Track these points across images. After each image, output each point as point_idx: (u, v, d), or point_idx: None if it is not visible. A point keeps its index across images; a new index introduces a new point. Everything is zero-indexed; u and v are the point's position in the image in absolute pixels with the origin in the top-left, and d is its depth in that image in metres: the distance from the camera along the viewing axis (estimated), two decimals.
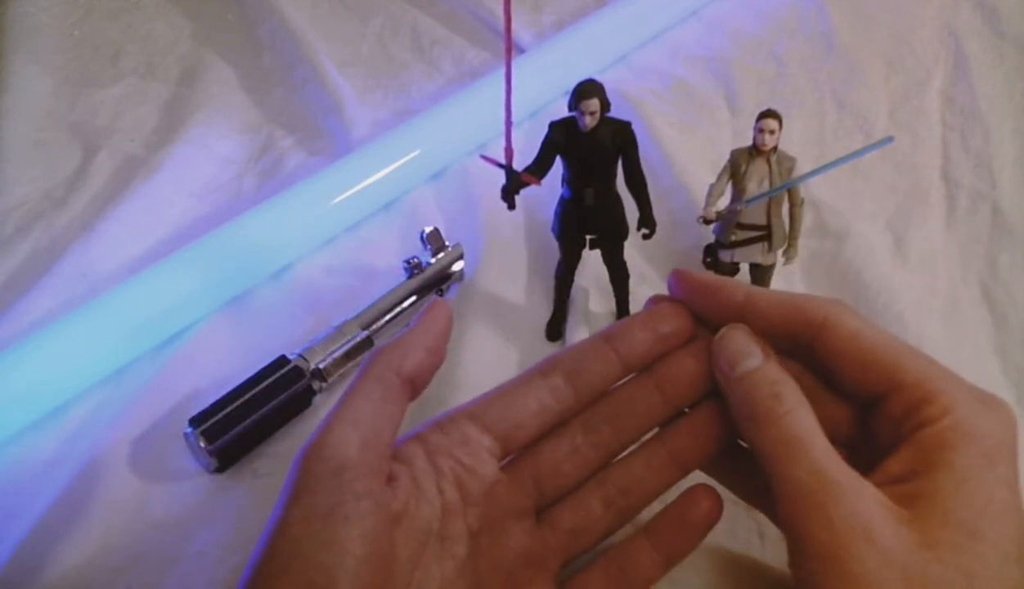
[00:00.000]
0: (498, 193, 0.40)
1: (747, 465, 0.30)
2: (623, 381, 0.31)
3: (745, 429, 0.27)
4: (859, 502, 0.24)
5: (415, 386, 0.29)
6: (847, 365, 0.27)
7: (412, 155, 0.52)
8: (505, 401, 0.30)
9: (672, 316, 0.30)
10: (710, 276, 0.31)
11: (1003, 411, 0.26)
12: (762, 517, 0.35)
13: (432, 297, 0.31)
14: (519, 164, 0.39)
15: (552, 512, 0.30)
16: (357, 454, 0.25)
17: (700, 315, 0.30)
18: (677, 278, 0.30)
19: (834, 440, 0.26)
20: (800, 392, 0.27)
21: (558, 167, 0.41)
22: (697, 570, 0.33)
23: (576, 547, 0.30)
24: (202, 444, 0.38)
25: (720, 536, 0.35)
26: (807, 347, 0.28)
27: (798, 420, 0.26)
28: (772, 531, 0.36)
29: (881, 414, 0.27)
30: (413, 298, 0.45)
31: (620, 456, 0.31)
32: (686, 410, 0.30)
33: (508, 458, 0.31)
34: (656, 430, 0.31)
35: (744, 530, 0.36)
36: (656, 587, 0.30)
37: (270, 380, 0.40)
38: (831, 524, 0.24)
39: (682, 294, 0.30)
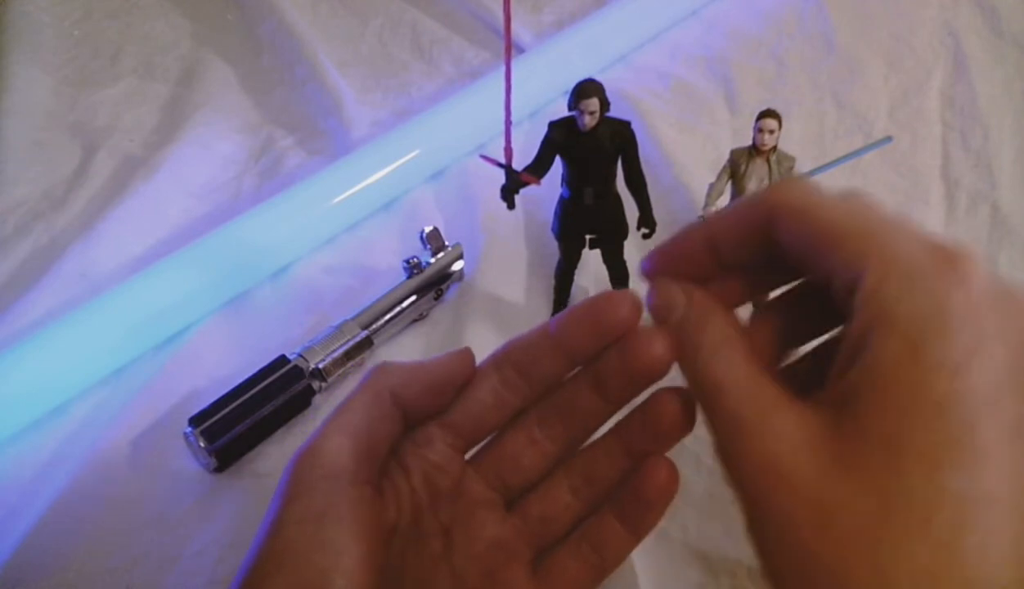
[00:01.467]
0: (498, 193, 0.40)
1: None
2: (570, 375, 0.29)
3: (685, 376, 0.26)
4: (770, 441, 0.21)
5: (408, 416, 0.28)
6: (797, 249, 0.23)
7: (412, 155, 0.52)
8: (464, 396, 0.29)
9: (615, 305, 0.27)
10: (668, 241, 0.28)
11: (961, 265, 0.20)
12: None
13: (465, 348, 0.31)
14: (519, 164, 0.39)
15: (521, 502, 0.30)
16: (351, 462, 0.25)
17: (690, 273, 0.28)
18: (647, 262, 0.28)
19: (799, 342, 0.25)
20: (727, 327, 0.25)
21: (558, 167, 0.41)
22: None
23: (548, 533, 0.30)
24: (202, 444, 0.38)
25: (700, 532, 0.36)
26: (774, 243, 0.24)
27: (716, 365, 0.24)
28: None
29: (857, 297, 0.21)
30: (413, 298, 0.45)
31: (585, 447, 0.30)
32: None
33: (471, 451, 0.31)
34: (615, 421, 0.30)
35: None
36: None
37: (270, 380, 0.40)
38: (742, 467, 0.22)
39: (655, 273, 0.28)
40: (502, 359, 0.29)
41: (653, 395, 0.28)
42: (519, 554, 0.29)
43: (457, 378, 0.29)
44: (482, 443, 0.30)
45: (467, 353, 0.29)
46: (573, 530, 0.30)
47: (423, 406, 0.28)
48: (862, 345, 0.20)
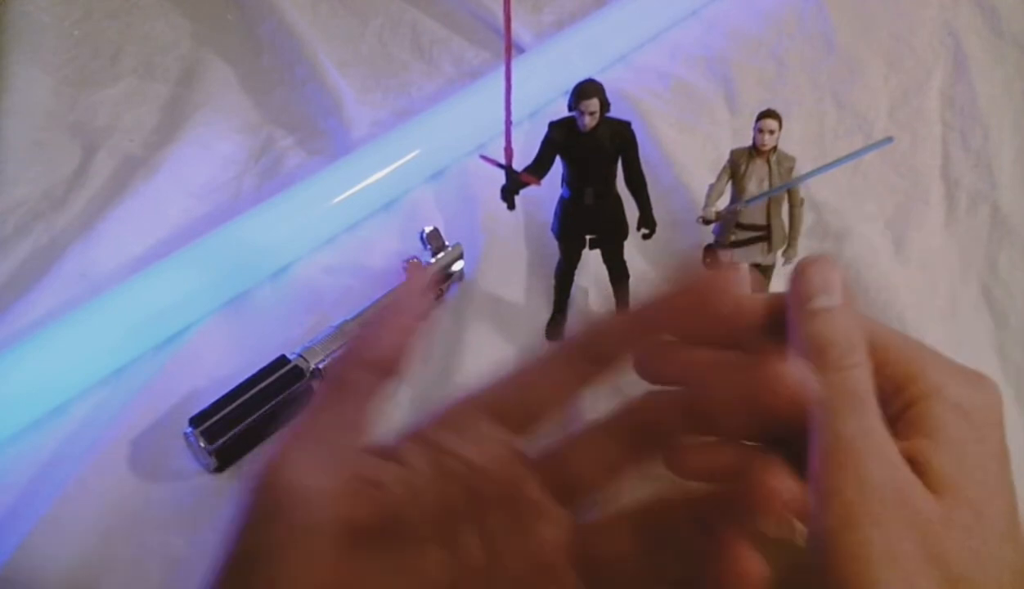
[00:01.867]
0: (498, 193, 0.40)
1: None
2: (656, 390, 0.27)
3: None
4: (900, 472, 0.23)
5: (393, 372, 0.26)
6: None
7: (412, 155, 0.52)
8: (517, 384, 0.27)
9: (726, 281, 0.25)
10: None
11: (988, 385, 0.26)
12: None
13: (451, 312, 0.28)
14: (519, 164, 0.39)
15: (586, 541, 0.27)
16: (309, 480, 0.23)
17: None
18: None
19: None
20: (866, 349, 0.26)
21: (558, 167, 0.41)
22: None
23: (602, 579, 0.27)
24: (202, 444, 0.38)
25: None
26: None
27: (863, 375, 0.25)
28: None
29: None
30: None
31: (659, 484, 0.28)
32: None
33: (535, 453, 0.27)
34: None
35: None
36: None
37: (270, 380, 0.40)
38: (867, 486, 0.23)
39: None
40: (563, 344, 0.27)
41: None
42: (568, 582, 0.26)
43: (424, 299, 0.27)
44: (547, 444, 0.27)
45: (415, 266, 0.27)
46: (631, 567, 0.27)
47: (404, 347, 0.26)
48: (932, 424, 0.24)
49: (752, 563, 0.25)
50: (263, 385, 0.40)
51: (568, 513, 0.27)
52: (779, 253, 0.43)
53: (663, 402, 0.27)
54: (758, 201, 0.41)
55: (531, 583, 0.26)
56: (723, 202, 0.43)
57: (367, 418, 0.26)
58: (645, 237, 0.42)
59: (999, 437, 0.25)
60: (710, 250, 0.45)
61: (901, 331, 0.27)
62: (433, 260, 0.46)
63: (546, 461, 0.28)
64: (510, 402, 0.27)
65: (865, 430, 0.24)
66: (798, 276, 0.26)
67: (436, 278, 0.46)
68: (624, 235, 0.42)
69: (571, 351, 0.27)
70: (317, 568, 0.23)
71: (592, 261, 0.46)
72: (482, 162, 0.38)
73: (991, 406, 0.25)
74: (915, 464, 0.24)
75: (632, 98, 0.58)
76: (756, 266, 0.43)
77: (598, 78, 0.38)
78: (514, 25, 0.34)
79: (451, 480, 0.26)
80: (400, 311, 0.27)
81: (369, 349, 0.26)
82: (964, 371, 0.26)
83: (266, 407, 0.39)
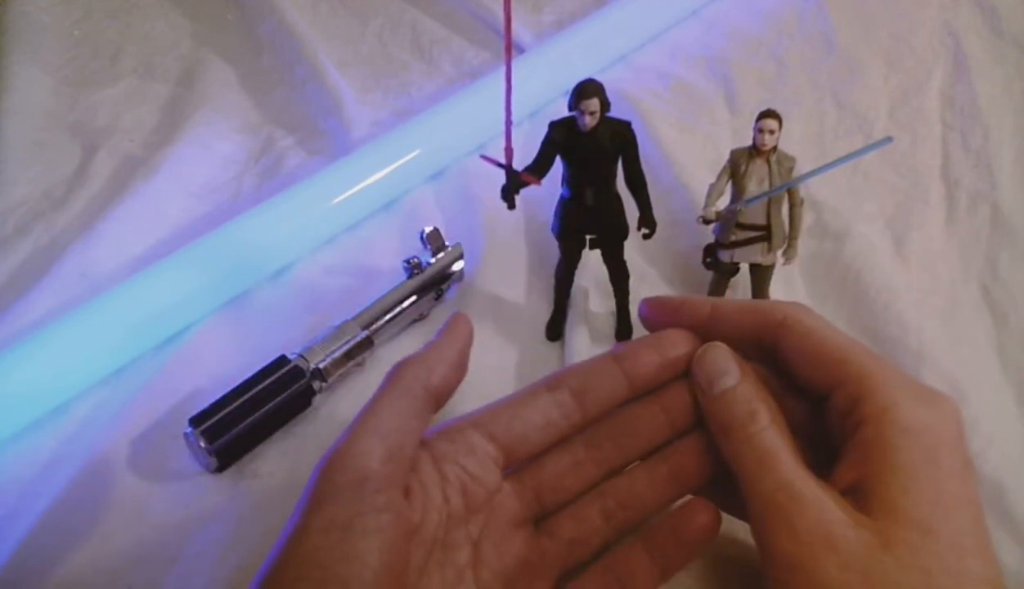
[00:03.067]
0: (498, 193, 0.40)
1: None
2: (629, 402, 0.31)
3: (721, 444, 0.28)
4: (821, 512, 0.25)
5: (439, 400, 0.29)
6: (800, 361, 0.28)
7: (412, 155, 0.52)
8: (512, 412, 0.30)
9: (680, 342, 0.31)
10: (673, 298, 0.32)
11: (944, 405, 0.27)
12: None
13: (455, 311, 0.31)
14: (519, 164, 0.39)
15: (552, 521, 0.30)
16: (380, 466, 0.25)
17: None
18: (646, 305, 0.32)
19: (795, 435, 0.28)
20: (774, 409, 0.28)
21: (558, 167, 0.41)
22: (691, 572, 0.33)
23: (574, 556, 0.30)
24: (202, 444, 0.38)
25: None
26: (770, 348, 0.29)
27: (770, 437, 0.27)
28: None
29: (829, 409, 0.28)
30: (413, 298, 0.45)
31: (626, 471, 0.31)
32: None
33: (511, 469, 0.31)
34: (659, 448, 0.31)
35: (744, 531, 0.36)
36: None
37: (270, 380, 0.40)
38: (796, 535, 0.25)
39: (653, 318, 0.32)
40: (556, 382, 0.30)
41: (687, 504, 0.30)
42: (545, 574, 0.29)
43: (469, 342, 0.30)
44: (523, 462, 0.31)
45: (463, 317, 0.31)
46: (598, 553, 0.30)
47: (455, 381, 0.30)
48: (878, 447, 0.25)
49: (708, 510, 0.30)
50: (263, 385, 0.40)
51: (533, 517, 0.30)
52: (779, 253, 0.43)
53: (641, 406, 0.30)
54: (758, 201, 0.41)
55: (515, 578, 0.29)
56: (723, 202, 0.43)
57: (420, 427, 0.28)
58: (645, 237, 0.42)
59: (957, 455, 0.26)
60: (710, 250, 0.45)
61: (867, 347, 0.28)
62: (433, 260, 0.46)
63: (521, 474, 0.31)
64: (508, 426, 0.30)
65: (781, 484, 0.26)
66: (697, 368, 0.30)
67: (436, 280, 0.46)
68: (624, 235, 0.42)
69: (567, 386, 0.30)
70: (390, 544, 0.24)
71: (592, 261, 0.46)
72: (482, 162, 0.38)
73: (945, 425, 0.26)
74: (858, 493, 0.25)
75: (632, 98, 0.58)
76: (756, 266, 0.43)
77: (598, 78, 0.38)
78: (514, 25, 0.34)
79: (450, 485, 0.28)
80: (455, 349, 0.30)
81: (428, 372, 0.29)
82: (919, 390, 0.27)
83: (266, 407, 0.39)
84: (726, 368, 0.29)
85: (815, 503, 0.25)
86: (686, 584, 0.33)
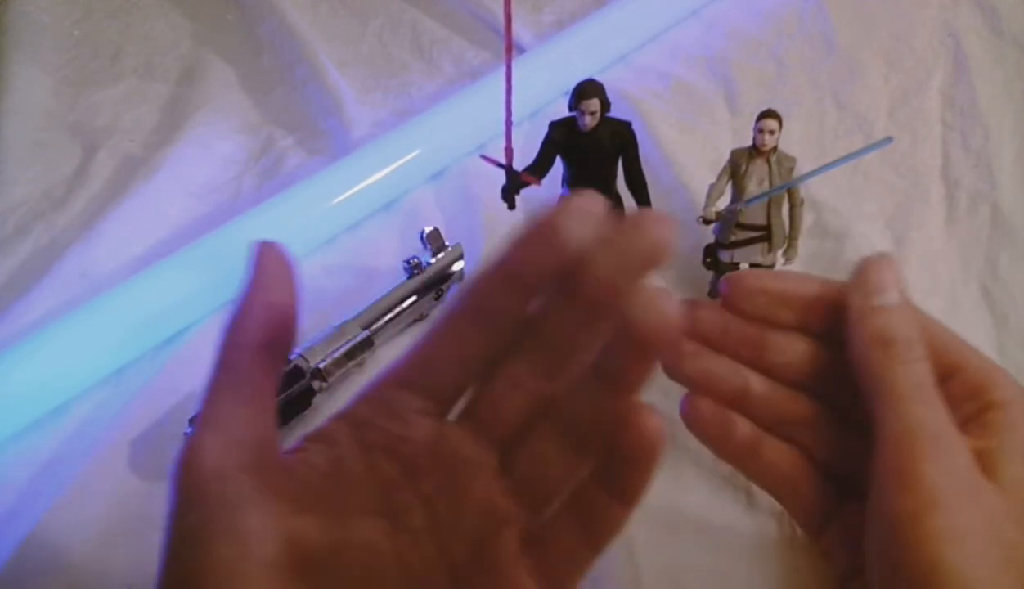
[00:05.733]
0: (498, 193, 0.40)
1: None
2: (547, 304, 0.26)
3: (874, 361, 0.27)
4: (969, 460, 0.25)
5: (277, 348, 0.26)
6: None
7: (412, 155, 0.52)
8: (427, 355, 0.27)
9: (571, 223, 0.24)
10: (776, 279, 0.30)
11: None
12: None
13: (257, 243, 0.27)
14: (519, 164, 0.39)
15: (509, 460, 0.27)
16: (224, 458, 0.24)
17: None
18: (726, 282, 0.30)
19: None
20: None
21: (558, 167, 0.41)
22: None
23: (539, 495, 0.27)
24: None
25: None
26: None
27: (926, 369, 0.27)
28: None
29: (941, 391, 0.27)
30: (413, 298, 0.45)
31: (568, 388, 0.27)
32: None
33: (451, 414, 0.28)
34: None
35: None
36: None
37: None
38: (948, 471, 0.24)
39: (735, 297, 0.30)
40: (463, 306, 0.26)
41: (623, 417, 0.25)
42: (510, 519, 0.27)
43: (286, 270, 0.27)
44: (463, 401, 0.27)
45: (267, 245, 0.27)
46: (564, 486, 0.27)
47: (283, 320, 0.26)
48: (1011, 428, 0.26)
49: (648, 417, 0.26)
50: None
51: (491, 454, 0.27)
52: (779, 253, 0.43)
53: (552, 305, 0.26)
54: (758, 201, 0.41)
55: (479, 529, 0.26)
56: (723, 202, 0.43)
57: (267, 395, 0.26)
58: None
59: None
60: (710, 250, 0.45)
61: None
62: (433, 260, 0.46)
63: (465, 413, 0.28)
64: (423, 372, 0.27)
65: (938, 420, 0.25)
66: (861, 275, 0.28)
67: (435, 278, 0.46)
68: None
69: (463, 313, 0.27)
70: (253, 550, 0.22)
71: None
72: (482, 162, 0.38)
73: None
74: (983, 463, 0.25)
75: (632, 98, 0.58)
76: (756, 266, 0.43)
77: (598, 78, 0.38)
78: (514, 25, 0.34)
79: (376, 452, 0.26)
80: (263, 288, 0.26)
81: (243, 332, 0.25)
82: None
83: None
84: (892, 283, 0.28)
85: (967, 452, 0.25)
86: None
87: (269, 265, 0.27)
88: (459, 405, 0.28)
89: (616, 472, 0.26)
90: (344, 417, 0.27)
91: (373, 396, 0.27)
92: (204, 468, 0.23)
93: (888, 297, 0.28)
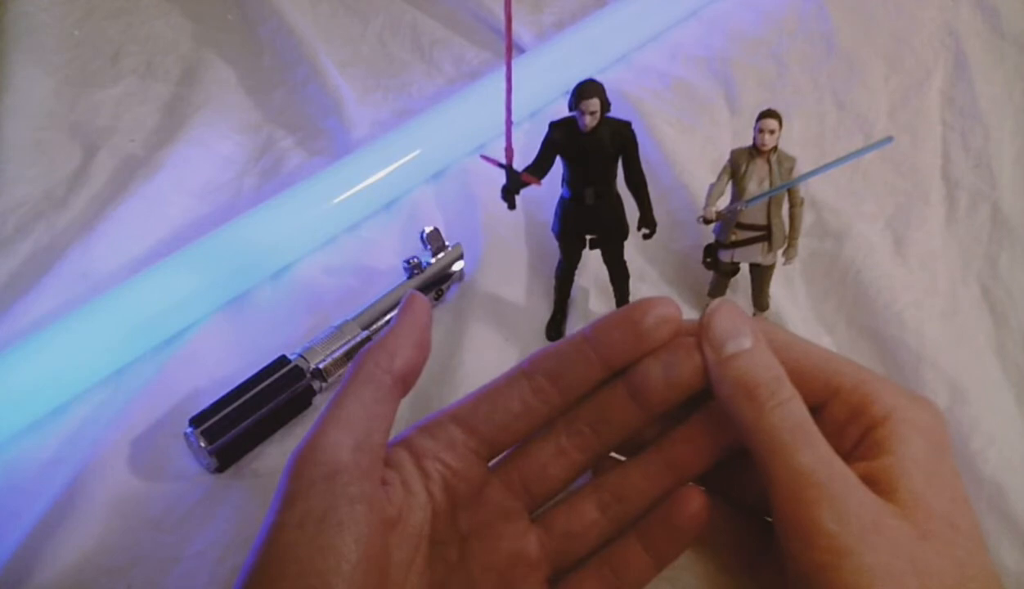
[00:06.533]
0: (498, 193, 0.40)
1: (739, 474, 0.30)
2: (603, 386, 0.30)
3: (740, 412, 0.26)
4: (865, 494, 0.24)
5: (406, 383, 0.29)
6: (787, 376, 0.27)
7: (412, 155, 0.52)
8: (490, 402, 0.29)
9: (650, 313, 0.28)
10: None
11: (934, 407, 0.27)
12: None
13: (408, 291, 0.31)
14: (519, 164, 0.39)
15: (546, 515, 0.30)
16: (350, 457, 0.25)
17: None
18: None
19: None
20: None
21: (558, 167, 0.41)
22: (691, 570, 0.33)
23: (571, 550, 0.29)
24: (202, 444, 0.38)
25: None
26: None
27: (800, 408, 0.25)
28: None
29: (822, 420, 0.26)
30: None
31: (621, 463, 0.30)
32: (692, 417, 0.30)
33: (495, 460, 0.30)
34: (655, 439, 0.30)
35: None
36: (654, 586, 0.30)
37: (270, 380, 0.40)
38: (843, 516, 0.23)
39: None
40: (532, 367, 0.29)
41: (676, 493, 0.29)
42: (538, 568, 0.29)
43: (428, 321, 0.30)
44: (507, 452, 0.30)
45: (418, 297, 0.30)
46: (596, 550, 0.30)
47: (419, 362, 0.29)
48: (898, 443, 0.25)
49: (696, 497, 0.28)
50: (263, 385, 0.40)
51: (523, 508, 0.30)
52: (779, 253, 0.43)
53: (612, 391, 0.29)
54: (758, 201, 0.41)
55: (508, 572, 0.28)
56: (723, 202, 0.43)
57: (388, 413, 0.28)
58: (645, 237, 0.42)
59: (949, 454, 0.26)
60: (710, 250, 0.45)
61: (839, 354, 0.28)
62: (433, 260, 0.46)
63: (507, 466, 0.30)
64: (480, 417, 0.29)
65: (823, 460, 0.24)
66: (706, 328, 0.27)
67: (434, 280, 0.46)
68: (624, 235, 0.42)
69: (532, 375, 0.29)
70: (366, 534, 0.24)
71: (592, 261, 0.46)
72: (482, 162, 0.38)
73: (940, 428, 0.26)
74: (880, 484, 0.25)
75: (632, 98, 0.58)
76: (756, 266, 0.43)
77: (598, 78, 0.38)
78: (514, 25, 0.34)
79: (433, 481, 0.28)
80: (412, 330, 0.29)
81: (390, 357, 0.28)
82: (911, 395, 0.27)
83: (266, 407, 0.39)
84: (741, 328, 0.27)
85: (858, 485, 0.24)
86: (685, 580, 0.33)
87: (418, 313, 0.29)
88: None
89: (656, 532, 0.29)
90: (404, 444, 0.29)
91: (433, 428, 0.29)
92: (326, 460, 0.25)
93: (739, 342, 0.26)
